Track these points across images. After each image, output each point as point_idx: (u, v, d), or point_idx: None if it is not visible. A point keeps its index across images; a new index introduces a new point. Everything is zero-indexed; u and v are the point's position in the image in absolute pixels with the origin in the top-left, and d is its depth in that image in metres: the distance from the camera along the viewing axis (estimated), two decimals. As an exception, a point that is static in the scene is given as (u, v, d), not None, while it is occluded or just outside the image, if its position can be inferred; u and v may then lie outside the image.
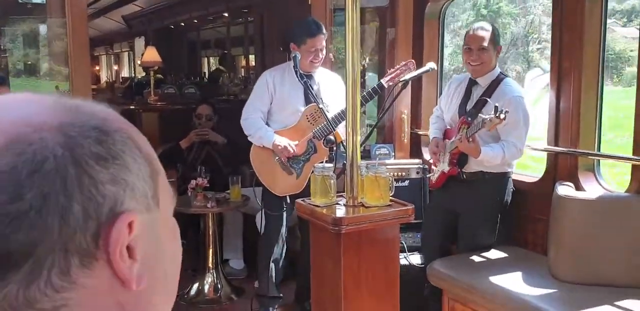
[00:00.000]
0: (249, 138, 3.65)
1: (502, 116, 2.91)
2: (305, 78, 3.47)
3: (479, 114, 3.18)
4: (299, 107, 3.61)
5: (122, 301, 0.51)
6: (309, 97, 3.56)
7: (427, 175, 3.71)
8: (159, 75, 6.67)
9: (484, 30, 3.32)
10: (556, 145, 3.41)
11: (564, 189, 3.14)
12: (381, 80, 3.56)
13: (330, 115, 3.41)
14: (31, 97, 0.52)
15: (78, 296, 0.48)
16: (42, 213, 0.45)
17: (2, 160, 0.45)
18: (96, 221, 0.48)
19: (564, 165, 3.36)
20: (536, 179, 3.57)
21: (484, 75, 3.35)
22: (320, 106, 3.40)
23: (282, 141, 3.54)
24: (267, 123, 3.68)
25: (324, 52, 3.59)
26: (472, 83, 3.41)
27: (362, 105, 3.37)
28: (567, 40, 3.32)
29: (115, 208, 0.49)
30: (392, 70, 3.57)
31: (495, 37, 3.33)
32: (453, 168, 3.37)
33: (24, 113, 0.49)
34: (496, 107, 2.91)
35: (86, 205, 0.47)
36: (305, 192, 3.41)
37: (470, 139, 3.12)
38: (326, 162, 3.26)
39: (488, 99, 3.25)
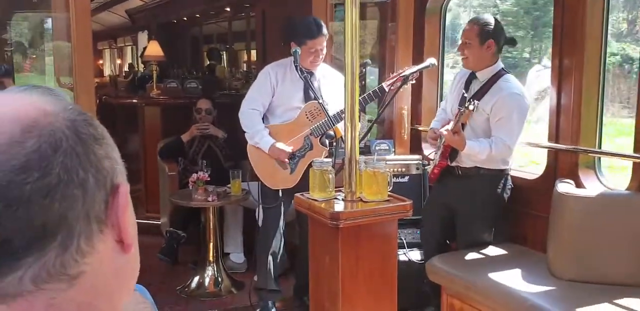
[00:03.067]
0: (246, 135, 3.66)
1: (470, 107, 3.05)
2: (306, 74, 3.47)
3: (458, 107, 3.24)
4: (298, 103, 3.62)
5: (118, 266, 0.57)
6: (309, 93, 3.56)
7: (425, 167, 3.71)
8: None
9: (472, 24, 3.30)
10: (557, 142, 3.40)
11: (565, 186, 3.14)
12: (383, 84, 3.55)
13: (330, 113, 3.42)
14: (18, 93, 0.56)
15: (94, 262, 0.54)
16: (68, 185, 0.51)
17: (27, 142, 0.50)
18: (104, 190, 0.54)
19: (564, 162, 3.36)
20: (536, 176, 3.57)
21: (483, 70, 3.33)
22: (320, 102, 3.40)
23: (276, 150, 3.56)
24: (265, 117, 3.69)
25: (324, 51, 3.59)
26: (472, 76, 3.40)
27: (362, 106, 3.38)
28: (568, 36, 3.30)
29: (114, 179, 0.56)
30: (395, 74, 3.54)
31: (485, 32, 3.25)
32: (442, 161, 3.36)
33: (24, 104, 0.53)
34: (464, 98, 2.95)
35: (97, 177, 0.53)
36: (298, 187, 3.46)
37: (454, 132, 3.13)
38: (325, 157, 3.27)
39: (488, 96, 3.25)
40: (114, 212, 0.55)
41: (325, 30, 3.57)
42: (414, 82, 3.60)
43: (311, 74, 3.57)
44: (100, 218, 0.54)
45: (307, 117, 3.59)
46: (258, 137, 3.59)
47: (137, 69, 8.54)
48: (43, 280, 0.50)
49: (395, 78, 3.49)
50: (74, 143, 0.52)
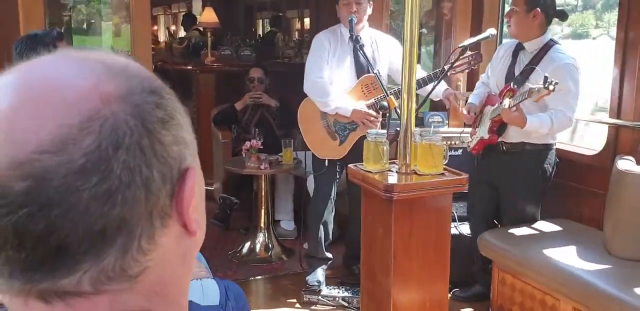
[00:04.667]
0: (319, 104, 3.58)
1: (550, 87, 2.82)
2: (361, 42, 3.44)
3: (526, 83, 3.12)
4: (350, 71, 3.58)
5: (184, 250, 0.54)
6: (359, 61, 3.53)
7: (466, 141, 3.63)
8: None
9: None
10: (618, 118, 3.30)
11: (625, 163, 3.05)
12: (445, 67, 3.47)
13: (384, 83, 3.40)
14: (80, 62, 0.50)
15: (158, 255, 0.50)
16: (131, 187, 0.46)
17: (86, 140, 0.45)
18: (170, 183, 0.49)
19: (625, 139, 3.26)
20: (594, 152, 3.48)
21: (531, 41, 3.23)
22: (375, 72, 3.37)
23: (359, 113, 3.50)
24: None
25: (362, 8, 3.49)
26: (519, 47, 3.30)
27: (419, 86, 3.32)
28: (635, 9, 3.16)
29: (181, 165, 0.51)
30: (457, 58, 3.43)
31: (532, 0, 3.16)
32: (493, 136, 3.28)
33: (86, 85, 0.47)
34: (546, 77, 2.82)
35: (163, 170, 0.49)
36: (346, 159, 3.49)
37: (514, 108, 3.05)
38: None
39: (536, 67, 3.16)
40: (180, 200, 0.51)
41: None
42: (475, 67, 3.53)
43: (356, 40, 3.49)
44: (165, 212, 0.50)
45: (363, 91, 3.56)
46: (335, 104, 3.54)
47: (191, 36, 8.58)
48: (102, 283, 0.48)
49: (457, 63, 3.40)
50: (139, 136, 0.47)
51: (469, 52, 3.40)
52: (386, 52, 3.65)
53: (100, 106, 0.46)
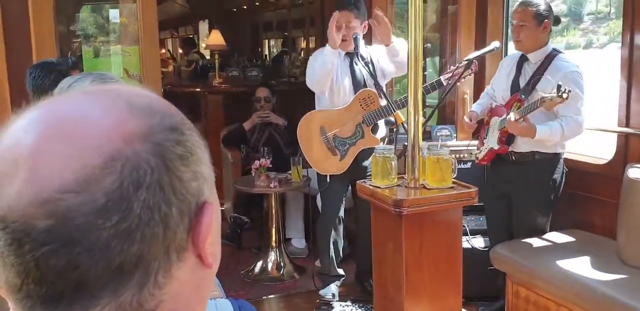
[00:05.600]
0: (320, 74, 3.50)
1: (564, 95, 2.84)
2: (364, 59, 3.48)
3: (534, 92, 3.14)
4: (348, 87, 3.59)
5: (199, 281, 0.55)
6: (356, 77, 3.56)
7: (473, 153, 3.62)
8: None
9: (525, 6, 3.24)
10: (627, 126, 3.28)
11: (636, 172, 3.03)
12: (441, 77, 3.51)
13: (383, 102, 3.44)
14: (104, 100, 0.51)
15: (173, 288, 0.51)
16: (150, 224, 0.47)
17: (107, 179, 0.46)
18: (188, 218, 0.50)
19: (635, 147, 3.24)
20: (604, 161, 3.46)
21: (535, 52, 3.26)
22: (377, 88, 3.41)
23: (332, 36, 3.45)
24: (318, 101, 3.71)
25: (352, 30, 3.49)
26: (523, 59, 3.34)
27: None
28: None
29: (199, 201, 0.52)
30: (454, 68, 3.50)
31: (540, 13, 3.20)
32: (503, 147, 3.30)
33: (109, 124, 0.48)
34: (559, 86, 2.84)
35: (181, 207, 0.49)
36: (348, 174, 3.53)
37: (522, 119, 3.05)
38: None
39: (544, 76, 3.19)
40: (197, 234, 0.51)
41: (355, 8, 3.48)
42: (472, 75, 3.56)
43: (361, 57, 3.53)
44: (182, 247, 0.50)
45: (361, 105, 3.57)
46: (320, 57, 3.51)
47: (199, 58, 8.69)
48: None
49: (452, 73, 3.44)
50: (159, 174, 0.48)
51: (463, 62, 3.41)
52: (381, 62, 3.66)
53: (122, 146, 0.47)
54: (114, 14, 5.70)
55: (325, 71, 3.47)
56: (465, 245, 3.55)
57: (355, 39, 3.46)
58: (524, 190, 3.29)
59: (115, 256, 0.46)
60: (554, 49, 3.29)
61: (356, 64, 3.59)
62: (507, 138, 3.28)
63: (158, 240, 0.48)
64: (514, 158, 3.32)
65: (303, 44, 9.25)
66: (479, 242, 3.66)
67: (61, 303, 0.47)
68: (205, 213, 0.52)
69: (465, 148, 3.92)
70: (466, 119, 3.49)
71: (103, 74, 1.92)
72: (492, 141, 3.35)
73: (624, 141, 3.32)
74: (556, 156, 3.29)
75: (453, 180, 2.72)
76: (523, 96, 3.22)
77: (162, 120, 0.51)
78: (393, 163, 2.76)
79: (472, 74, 3.65)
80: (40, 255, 0.45)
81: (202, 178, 0.52)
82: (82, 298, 0.47)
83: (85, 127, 0.48)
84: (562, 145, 3.29)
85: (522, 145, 3.26)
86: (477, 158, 3.52)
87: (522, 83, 3.30)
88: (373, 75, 3.50)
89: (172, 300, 0.51)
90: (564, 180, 3.32)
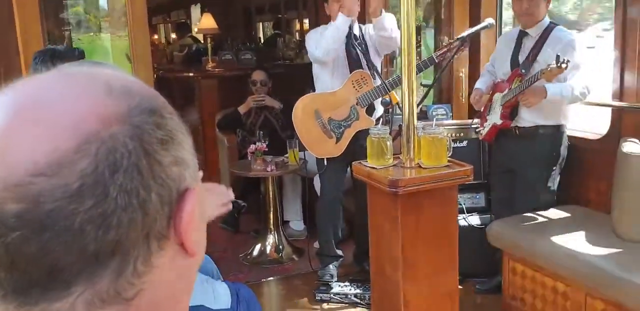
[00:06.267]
0: (327, 42, 3.48)
1: (563, 66, 2.88)
2: (357, 39, 3.47)
3: (534, 64, 3.18)
4: (343, 67, 3.59)
5: (182, 270, 0.53)
6: (352, 56, 3.55)
7: (477, 130, 3.62)
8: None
9: None
10: (621, 100, 3.28)
11: (630, 146, 3.04)
12: (433, 54, 3.49)
13: (377, 82, 3.44)
14: (80, 81, 0.50)
15: (153, 277, 0.49)
16: (127, 210, 0.45)
17: (82, 162, 0.44)
18: (168, 206, 0.49)
19: (629, 121, 3.25)
20: (600, 136, 3.47)
21: (534, 26, 3.29)
22: (371, 68, 3.40)
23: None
24: (314, 83, 3.70)
25: (353, 2, 3.49)
26: (522, 34, 3.36)
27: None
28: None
29: (180, 187, 0.50)
30: (446, 44, 3.47)
31: None
32: (506, 121, 3.32)
33: (85, 106, 0.46)
34: (558, 56, 2.86)
35: (161, 192, 0.48)
36: (344, 156, 3.52)
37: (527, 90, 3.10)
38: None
39: (543, 48, 3.21)
40: (179, 221, 0.49)
41: None
42: (464, 52, 3.52)
43: (354, 37, 3.53)
44: (162, 235, 0.49)
45: (354, 86, 3.56)
46: (325, 31, 3.53)
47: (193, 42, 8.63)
48: (96, 306, 0.47)
49: (446, 49, 3.41)
50: (137, 158, 0.46)
51: (456, 39, 3.39)
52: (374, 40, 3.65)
53: (98, 128, 0.45)
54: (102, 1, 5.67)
55: (338, 38, 3.48)
56: (462, 222, 3.58)
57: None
58: (528, 164, 3.32)
59: (89, 243, 0.44)
60: (551, 22, 3.31)
61: (352, 46, 3.57)
62: (510, 112, 3.30)
63: (136, 226, 0.46)
64: (517, 132, 3.34)
65: (298, 26, 9.18)
66: (475, 220, 3.68)
67: (34, 291, 0.45)
68: (187, 200, 0.50)
69: (462, 127, 3.92)
70: (472, 98, 3.50)
71: (101, 62, 1.91)
72: (494, 117, 3.38)
73: (618, 115, 3.32)
74: (559, 129, 3.32)
75: (448, 159, 2.72)
76: (524, 70, 3.25)
77: (142, 102, 0.49)
78: (388, 143, 2.75)
79: (466, 50, 3.63)
80: (10, 241, 0.43)
81: (184, 163, 0.50)
82: (55, 286, 0.45)
83: (59, 108, 0.46)
84: (564, 116, 3.31)
85: (525, 119, 3.29)
86: (480, 134, 3.53)
87: (522, 58, 3.32)
88: (366, 55, 3.49)
89: (152, 289, 0.50)
90: (566, 154, 3.35)
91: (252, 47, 8.47)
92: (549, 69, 2.92)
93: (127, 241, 0.46)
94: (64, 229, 0.43)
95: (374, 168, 2.72)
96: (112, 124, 0.46)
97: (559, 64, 2.86)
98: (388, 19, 3.42)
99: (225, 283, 1.99)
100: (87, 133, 0.45)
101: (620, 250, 2.85)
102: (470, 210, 3.73)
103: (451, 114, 4.25)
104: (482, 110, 3.54)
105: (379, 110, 3.66)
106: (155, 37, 11.35)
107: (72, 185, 0.43)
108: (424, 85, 4.73)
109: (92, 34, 6.56)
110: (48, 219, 0.43)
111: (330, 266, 3.78)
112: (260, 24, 10.73)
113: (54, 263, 0.44)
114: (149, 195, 0.47)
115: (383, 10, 3.43)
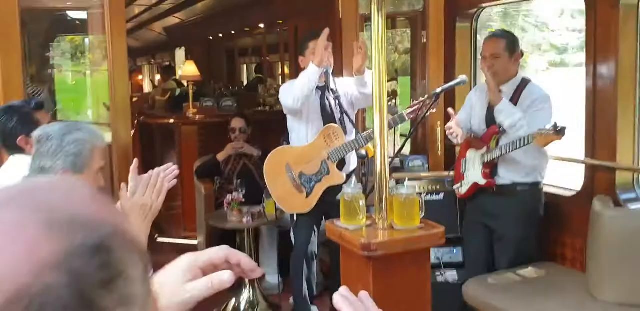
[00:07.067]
0: (300, 90, 3.40)
1: (560, 135, 2.82)
2: (334, 93, 3.49)
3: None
4: (318, 120, 3.59)
5: None
6: (326, 110, 3.57)
7: (454, 187, 3.59)
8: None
9: (497, 38, 3.30)
10: (593, 157, 3.31)
11: (602, 204, 3.05)
12: (403, 112, 3.49)
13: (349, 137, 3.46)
14: (18, 214, 0.45)
15: None
16: None
17: None
18: None
19: (601, 179, 3.27)
20: (574, 192, 3.48)
21: (507, 83, 3.30)
22: (341, 122, 3.41)
23: (319, 53, 3.38)
24: (290, 137, 3.70)
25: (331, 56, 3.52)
26: None
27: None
28: (602, 49, 3.22)
29: None
30: (416, 102, 3.46)
31: (511, 44, 3.28)
32: (489, 181, 3.31)
33: (18, 251, 0.43)
34: (555, 123, 2.82)
35: None
36: (315, 211, 3.50)
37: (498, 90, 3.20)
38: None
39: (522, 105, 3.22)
40: None
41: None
42: (434, 111, 3.47)
43: (331, 91, 3.54)
44: None
45: (325, 140, 3.55)
46: (302, 76, 3.45)
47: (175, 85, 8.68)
48: None
49: (416, 107, 3.41)
50: (73, 305, 0.43)
51: (426, 97, 3.41)
52: (350, 94, 3.65)
53: (29, 281, 0.42)
54: (86, 44, 5.72)
55: (308, 86, 3.39)
56: (438, 279, 3.54)
57: (326, 73, 3.47)
58: (507, 222, 3.29)
59: None
60: (524, 78, 3.34)
61: (327, 99, 3.58)
62: (491, 172, 3.30)
63: None
64: (495, 190, 3.33)
65: (280, 70, 9.26)
66: (452, 275, 3.64)
67: None
68: None
69: (438, 179, 3.91)
70: (453, 133, 3.36)
71: (77, 125, 1.92)
72: (475, 175, 3.36)
73: (592, 172, 3.34)
74: (537, 186, 3.31)
75: (422, 218, 2.70)
76: (501, 128, 3.23)
77: (86, 239, 0.45)
78: (361, 202, 2.74)
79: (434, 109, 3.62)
80: None
81: (131, 301, 0.47)
82: None
83: None
84: (541, 174, 3.31)
85: (503, 177, 3.28)
86: (459, 193, 3.52)
87: None
88: (342, 110, 3.50)
89: None
90: (543, 212, 3.34)
91: (235, 92, 8.52)
92: (543, 132, 2.86)
93: None
94: None
95: (347, 229, 2.69)
96: (46, 273, 0.42)
97: (556, 130, 2.80)
98: (369, 77, 3.44)
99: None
100: (17, 287, 0.41)
101: (595, 313, 2.82)
102: (447, 265, 3.68)
103: (427, 166, 4.26)
104: (454, 166, 3.54)
105: (352, 163, 3.65)
106: (140, 78, 11.43)
107: None
108: (403, 135, 4.76)
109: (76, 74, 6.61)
110: None
111: (306, 326, 3.70)
112: (245, 66, 10.83)
113: None
114: None
115: (366, 68, 3.46)
